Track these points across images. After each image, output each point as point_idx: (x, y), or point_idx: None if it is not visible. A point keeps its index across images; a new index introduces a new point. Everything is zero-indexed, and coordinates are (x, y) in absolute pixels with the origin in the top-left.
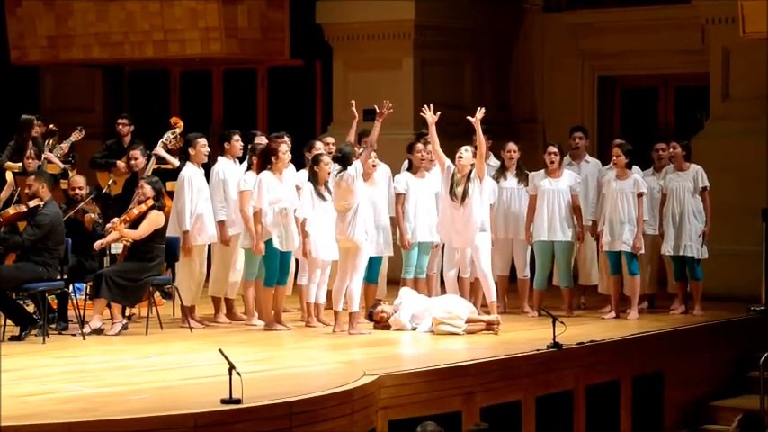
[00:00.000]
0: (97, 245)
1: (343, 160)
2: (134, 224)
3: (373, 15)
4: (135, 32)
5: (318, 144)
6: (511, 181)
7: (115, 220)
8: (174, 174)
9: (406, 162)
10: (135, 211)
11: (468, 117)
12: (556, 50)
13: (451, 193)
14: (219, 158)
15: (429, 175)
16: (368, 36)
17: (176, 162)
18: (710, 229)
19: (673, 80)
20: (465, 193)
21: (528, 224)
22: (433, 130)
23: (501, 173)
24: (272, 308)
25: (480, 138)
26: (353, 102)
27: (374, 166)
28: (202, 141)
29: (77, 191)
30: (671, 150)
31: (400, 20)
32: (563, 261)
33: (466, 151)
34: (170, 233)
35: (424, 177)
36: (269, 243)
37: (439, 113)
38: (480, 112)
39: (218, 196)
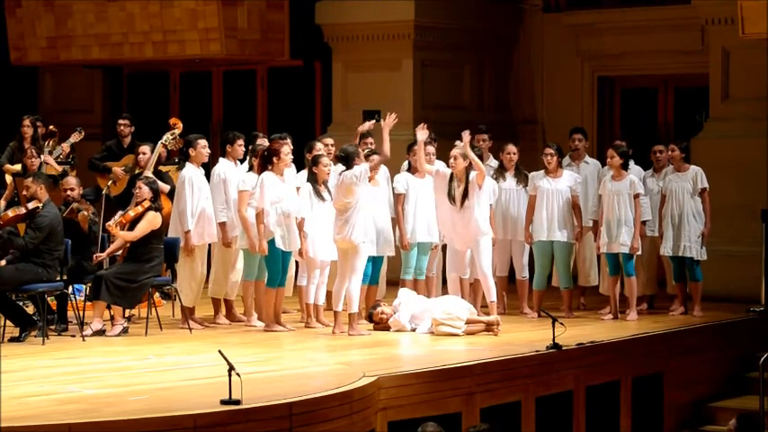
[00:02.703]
0: (95, 260)
1: (347, 160)
2: (131, 226)
3: (373, 16)
4: (134, 33)
5: (319, 145)
6: (510, 182)
7: (111, 222)
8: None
9: (406, 162)
10: (131, 212)
11: (457, 141)
12: (555, 51)
13: (450, 195)
14: (221, 160)
15: (429, 176)
16: (367, 37)
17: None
18: (710, 229)
19: (672, 81)
20: (464, 196)
21: (527, 224)
22: (420, 146)
23: (500, 173)
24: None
25: (475, 161)
26: (371, 123)
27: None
28: (203, 142)
29: (69, 192)
30: (669, 152)
31: (400, 21)
32: (562, 262)
33: (455, 159)
34: (171, 234)
35: (424, 177)
36: (271, 243)
37: (427, 133)
38: (466, 135)
39: (219, 197)
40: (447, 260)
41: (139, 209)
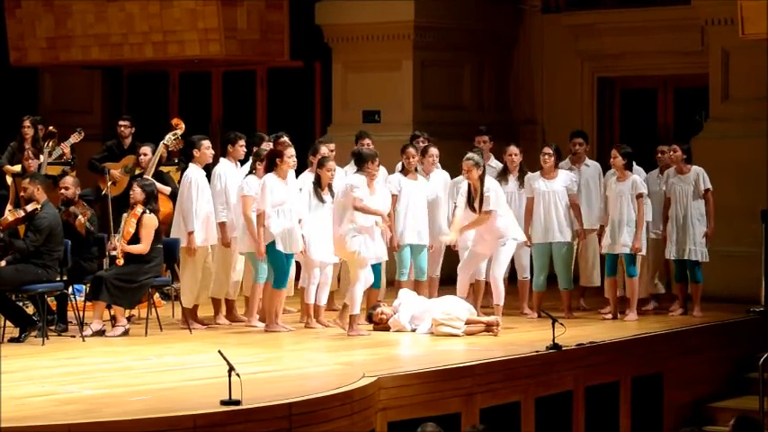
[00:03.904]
0: (109, 248)
1: (360, 159)
2: (134, 235)
3: (373, 16)
4: (134, 34)
5: (324, 149)
6: (512, 185)
7: (115, 236)
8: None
9: (400, 164)
10: (130, 228)
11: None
12: (555, 52)
13: (470, 203)
14: (221, 160)
15: (423, 179)
16: (367, 37)
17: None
18: (713, 229)
19: (672, 81)
20: (481, 205)
21: (526, 226)
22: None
23: (503, 176)
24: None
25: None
26: None
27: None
28: (207, 143)
29: (64, 191)
30: (671, 153)
31: (400, 21)
32: (562, 262)
33: (467, 171)
34: (174, 234)
35: (417, 180)
36: (273, 246)
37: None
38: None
39: (219, 198)
40: (463, 259)
41: (133, 220)
